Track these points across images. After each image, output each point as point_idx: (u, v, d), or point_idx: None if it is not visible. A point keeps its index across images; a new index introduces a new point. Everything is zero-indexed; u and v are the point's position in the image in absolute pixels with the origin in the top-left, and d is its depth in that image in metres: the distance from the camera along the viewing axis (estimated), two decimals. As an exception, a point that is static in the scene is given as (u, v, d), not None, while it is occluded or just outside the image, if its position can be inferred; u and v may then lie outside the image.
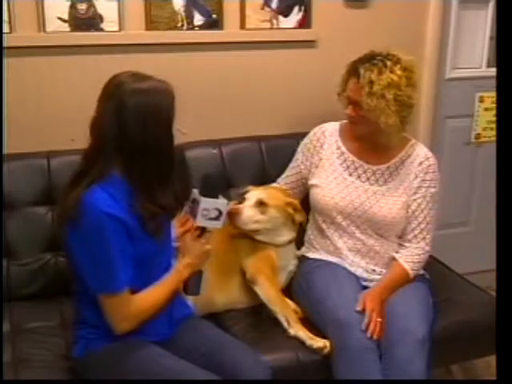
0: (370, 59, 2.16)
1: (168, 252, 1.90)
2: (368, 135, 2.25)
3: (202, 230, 1.89)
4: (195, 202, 1.86)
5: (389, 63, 2.13)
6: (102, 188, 1.68)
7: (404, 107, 2.15)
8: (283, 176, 2.46)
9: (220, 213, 1.86)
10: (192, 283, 1.90)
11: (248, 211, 2.20)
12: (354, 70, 2.19)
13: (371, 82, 2.11)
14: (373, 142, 2.28)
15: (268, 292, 2.15)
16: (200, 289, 1.92)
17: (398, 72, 2.12)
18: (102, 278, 1.71)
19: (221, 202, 1.87)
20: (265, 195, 2.25)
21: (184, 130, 1.81)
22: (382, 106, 2.11)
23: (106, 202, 1.66)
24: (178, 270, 1.86)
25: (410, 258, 2.23)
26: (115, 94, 1.71)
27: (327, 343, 2.01)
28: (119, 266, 1.70)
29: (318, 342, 2.02)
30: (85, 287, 1.77)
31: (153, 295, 1.80)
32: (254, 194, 2.26)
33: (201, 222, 1.86)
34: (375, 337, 1.98)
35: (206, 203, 1.85)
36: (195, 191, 1.88)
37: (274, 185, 2.44)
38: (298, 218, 2.30)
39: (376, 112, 2.13)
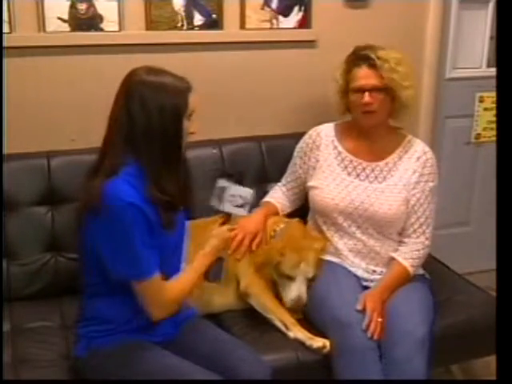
0: (365, 47, 2.22)
1: (180, 249, 1.91)
2: (382, 123, 2.27)
3: (227, 218, 1.96)
4: (222, 190, 1.94)
5: (383, 47, 2.21)
6: (122, 178, 1.70)
7: (412, 79, 2.23)
8: (284, 182, 2.46)
9: (245, 201, 1.94)
10: (214, 270, 1.94)
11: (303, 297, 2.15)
12: (358, 58, 2.22)
13: (387, 60, 2.17)
14: (372, 137, 2.29)
15: (261, 302, 2.15)
16: (221, 275, 1.97)
17: (394, 52, 2.21)
18: (132, 265, 1.72)
19: (247, 191, 1.96)
20: (310, 269, 2.16)
21: None
22: (402, 78, 2.18)
23: (127, 192, 1.68)
24: (205, 254, 1.89)
25: (409, 254, 2.23)
26: (125, 84, 1.75)
27: (327, 343, 2.01)
28: (146, 251, 1.73)
29: (318, 342, 2.02)
30: (102, 278, 1.78)
31: (183, 280, 1.84)
32: (303, 273, 2.14)
33: (226, 207, 1.93)
34: (376, 337, 1.98)
35: (233, 189, 1.94)
36: (222, 180, 1.96)
37: (296, 221, 2.33)
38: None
39: (402, 84, 2.18)
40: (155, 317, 1.80)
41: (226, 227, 1.95)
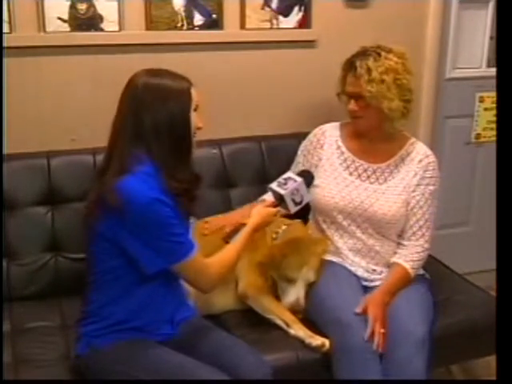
0: (363, 53, 2.21)
1: None
2: (372, 128, 2.26)
3: (279, 203, 2.02)
4: (289, 180, 2.02)
5: (383, 53, 2.18)
6: (138, 177, 1.70)
7: (404, 90, 2.19)
8: None
9: (301, 202, 2.01)
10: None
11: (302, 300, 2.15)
12: (349, 65, 2.22)
13: (369, 70, 2.15)
14: (374, 139, 2.29)
15: (260, 304, 2.15)
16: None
17: (394, 59, 2.18)
18: (173, 251, 1.74)
19: (309, 196, 2.08)
20: (312, 273, 2.16)
21: None
22: (383, 90, 2.14)
23: (147, 189, 1.69)
24: (252, 229, 1.95)
25: (410, 256, 2.23)
26: (130, 90, 1.76)
27: (326, 342, 2.01)
28: (183, 231, 1.77)
29: (317, 340, 2.02)
30: (112, 275, 1.79)
31: (226, 254, 1.88)
32: (304, 277, 2.15)
33: (286, 196, 1.99)
34: (380, 350, 1.96)
35: (301, 186, 2.02)
36: (293, 174, 2.09)
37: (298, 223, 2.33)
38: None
39: (378, 97, 2.15)
40: (205, 291, 1.88)
41: (273, 209, 2.01)
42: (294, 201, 2.00)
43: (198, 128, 1.83)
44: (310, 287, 2.17)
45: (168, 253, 1.74)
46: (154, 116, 1.73)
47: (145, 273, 1.76)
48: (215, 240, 2.08)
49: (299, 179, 2.03)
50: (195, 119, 1.80)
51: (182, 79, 1.80)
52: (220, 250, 1.90)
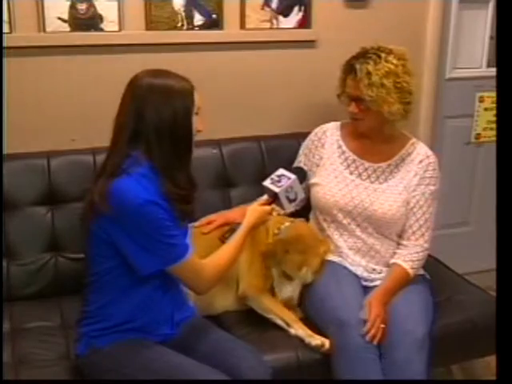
0: (363, 54, 2.21)
1: None
2: (373, 130, 2.27)
3: (273, 201, 2.02)
4: (283, 177, 2.02)
5: (383, 55, 2.18)
6: (134, 178, 1.70)
7: (405, 93, 2.19)
8: None
9: (295, 199, 2.02)
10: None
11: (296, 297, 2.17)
12: (349, 68, 2.23)
13: (369, 74, 2.15)
14: (375, 140, 2.30)
15: (260, 303, 2.16)
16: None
17: (394, 61, 2.17)
18: (168, 252, 1.74)
19: (303, 194, 2.08)
20: (310, 274, 2.16)
21: None
22: (383, 94, 2.14)
23: (142, 190, 1.69)
24: (247, 228, 1.96)
25: (409, 256, 2.23)
26: (133, 90, 1.76)
27: (326, 342, 2.01)
28: (178, 233, 1.76)
29: (317, 340, 2.02)
30: (110, 276, 1.79)
31: (222, 255, 1.89)
32: (302, 277, 2.15)
33: (280, 193, 1.99)
34: (375, 342, 1.97)
35: (295, 183, 2.02)
36: (286, 170, 2.06)
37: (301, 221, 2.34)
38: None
39: (378, 102, 2.15)
40: (200, 293, 1.88)
41: (267, 207, 2.02)
42: (288, 198, 2.00)
43: (198, 131, 1.83)
44: (306, 287, 2.17)
45: (162, 254, 1.74)
46: (156, 115, 1.72)
47: (140, 274, 1.76)
48: (214, 239, 2.09)
49: (293, 176, 2.03)
50: (196, 122, 1.80)
51: (185, 81, 1.80)
52: (216, 251, 1.90)
